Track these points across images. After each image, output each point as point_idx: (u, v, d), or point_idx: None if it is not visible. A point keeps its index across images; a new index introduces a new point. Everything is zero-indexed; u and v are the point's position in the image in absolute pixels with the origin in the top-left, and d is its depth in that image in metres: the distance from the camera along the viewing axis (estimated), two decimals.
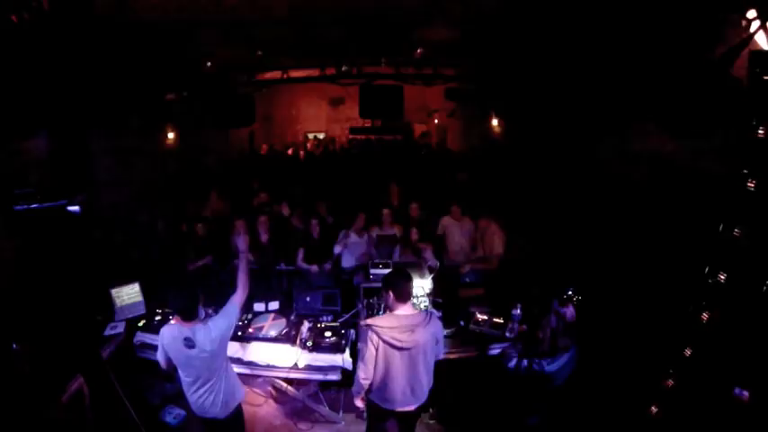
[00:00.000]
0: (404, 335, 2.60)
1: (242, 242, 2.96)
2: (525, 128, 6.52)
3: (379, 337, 2.62)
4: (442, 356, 2.93)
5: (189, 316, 2.60)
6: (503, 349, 3.50)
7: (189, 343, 2.55)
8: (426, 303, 3.58)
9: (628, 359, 3.52)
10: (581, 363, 3.47)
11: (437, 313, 3.75)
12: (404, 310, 2.69)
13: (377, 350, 2.65)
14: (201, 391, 2.69)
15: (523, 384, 3.07)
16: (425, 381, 2.78)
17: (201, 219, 5.39)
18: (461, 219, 5.12)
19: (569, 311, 3.07)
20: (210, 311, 3.85)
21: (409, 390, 2.74)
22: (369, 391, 2.83)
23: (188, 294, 2.63)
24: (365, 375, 2.73)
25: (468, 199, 5.59)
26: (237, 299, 2.80)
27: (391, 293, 2.65)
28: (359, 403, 2.94)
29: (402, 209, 5.61)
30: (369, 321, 2.70)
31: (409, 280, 2.70)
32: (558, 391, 3.08)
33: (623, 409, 3.23)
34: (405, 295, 2.67)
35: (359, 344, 3.06)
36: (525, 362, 3.11)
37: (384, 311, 3.19)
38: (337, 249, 4.98)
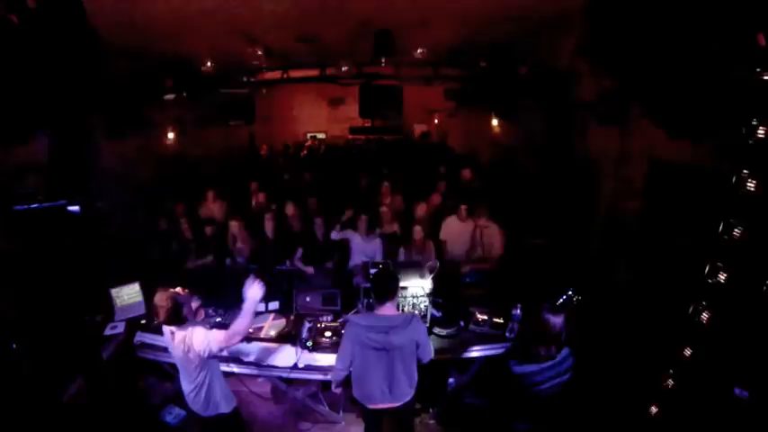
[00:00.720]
0: (378, 335, 2.63)
1: (256, 289, 2.67)
2: (523, 127, 6.52)
3: (357, 334, 2.67)
4: (429, 359, 2.89)
5: (175, 323, 2.64)
6: (506, 349, 3.46)
7: (170, 336, 2.66)
8: (426, 303, 3.58)
9: (625, 363, 3.51)
10: (579, 370, 3.45)
11: (437, 313, 3.77)
12: (384, 310, 2.71)
13: (353, 345, 2.71)
14: (185, 383, 2.76)
15: (509, 386, 2.98)
16: (405, 381, 2.79)
17: (206, 220, 5.41)
18: (466, 220, 5.07)
19: (557, 321, 2.64)
20: (210, 311, 3.87)
21: (387, 388, 2.76)
22: (351, 387, 2.88)
23: (172, 307, 2.59)
24: (341, 367, 2.80)
25: (472, 198, 5.59)
26: (222, 339, 2.59)
27: (373, 293, 2.70)
28: (336, 391, 3.07)
29: (401, 208, 5.61)
30: (349, 317, 2.73)
31: (389, 281, 2.73)
32: (544, 398, 2.92)
33: (617, 418, 3.21)
34: (383, 295, 2.69)
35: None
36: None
37: None
38: (334, 235, 5.01)
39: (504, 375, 2.72)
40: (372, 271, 4.00)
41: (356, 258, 4.92)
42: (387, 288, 2.71)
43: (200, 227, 5.30)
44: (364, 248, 4.92)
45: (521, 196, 6.23)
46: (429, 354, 2.89)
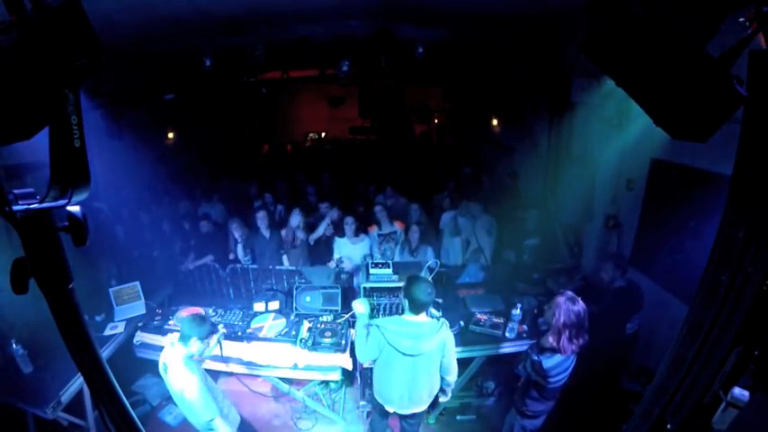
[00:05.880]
0: (408, 341, 2.59)
1: None
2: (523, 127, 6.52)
3: (385, 338, 2.62)
4: (452, 377, 2.82)
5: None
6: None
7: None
8: None
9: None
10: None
11: (438, 313, 3.76)
12: (415, 317, 2.63)
13: (380, 346, 2.66)
14: None
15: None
16: (426, 389, 2.77)
17: (207, 219, 5.41)
18: (463, 215, 5.10)
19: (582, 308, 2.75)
20: (210, 311, 3.87)
21: (407, 395, 2.74)
22: (371, 385, 2.86)
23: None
24: (363, 360, 2.86)
25: (470, 195, 5.63)
26: None
27: (407, 301, 2.62)
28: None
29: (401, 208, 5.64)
30: (377, 322, 2.68)
31: (429, 293, 2.60)
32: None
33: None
34: (420, 308, 2.60)
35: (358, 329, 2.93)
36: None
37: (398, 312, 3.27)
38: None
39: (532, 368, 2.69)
40: (373, 271, 3.97)
41: (348, 260, 4.83)
42: (426, 300, 2.59)
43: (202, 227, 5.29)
44: (351, 250, 4.87)
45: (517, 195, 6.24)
46: (452, 371, 2.79)
